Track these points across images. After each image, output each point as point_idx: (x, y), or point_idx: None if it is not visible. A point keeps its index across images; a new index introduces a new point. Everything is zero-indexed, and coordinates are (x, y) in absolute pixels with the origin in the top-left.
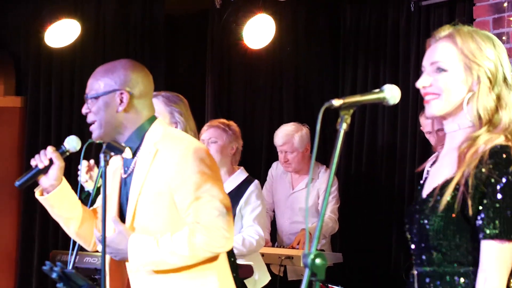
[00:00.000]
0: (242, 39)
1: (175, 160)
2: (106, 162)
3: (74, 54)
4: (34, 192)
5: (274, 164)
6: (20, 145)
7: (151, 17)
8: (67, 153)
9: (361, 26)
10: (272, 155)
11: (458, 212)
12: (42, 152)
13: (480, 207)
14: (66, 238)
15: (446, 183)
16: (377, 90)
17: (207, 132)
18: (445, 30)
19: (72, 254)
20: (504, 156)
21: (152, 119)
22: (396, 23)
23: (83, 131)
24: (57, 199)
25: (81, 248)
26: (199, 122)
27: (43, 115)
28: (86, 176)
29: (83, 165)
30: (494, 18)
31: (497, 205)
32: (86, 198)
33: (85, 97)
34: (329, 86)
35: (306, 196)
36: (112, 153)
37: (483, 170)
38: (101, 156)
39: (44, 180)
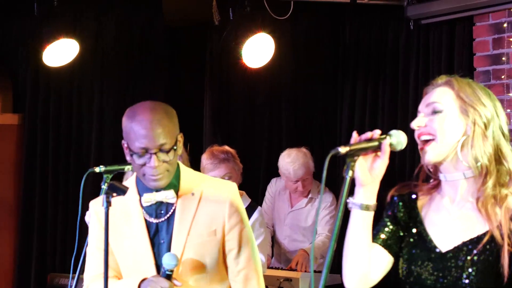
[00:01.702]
0: (241, 58)
1: (227, 200)
2: (109, 203)
3: (72, 72)
4: (32, 210)
5: (273, 181)
6: (18, 162)
7: (150, 33)
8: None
9: (360, 44)
10: (270, 173)
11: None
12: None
13: None
14: (64, 259)
15: (479, 240)
16: (384, 136)
17: (220, 169)
18: (443, 78)
19: (73, 278)
20: None
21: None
22: (395, 42)
23: (81, 150)
24: None
25: (81, 272)
26: (197, 141)
27: (41, 132)
28: None
29: None
30: (494, 38)
31: None
32: None
33: (151, 151)
34: (328, 104)
35: (315, 220)
36: (115, 194)
37: None
38: (104, 197)
39: None
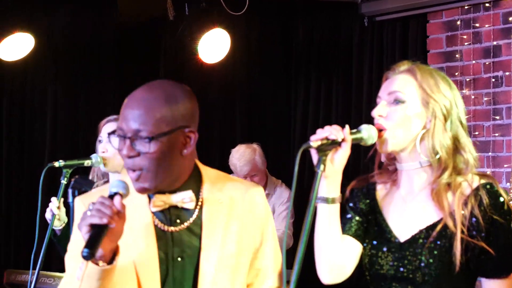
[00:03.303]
0: (197, 54)
1: (262, 209)
2: (74, 198)
3: (25, 67)
4: None
5: None
6: None
7: (103, 28)
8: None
9: (314, 41)
10: (224, 170)
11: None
12: (103, 204)
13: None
14: (20, 256)
15: (433, 227)
16: (354, 130)
17: None
18: (405, 65)
19: (33, 274)
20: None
21: (195, 162)
22: (349, 38)
23: (35, 146)
24: (115, 268)
25: (41, 268)
26: None
27: None
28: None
29: (55, 202)
30: (448, 36)
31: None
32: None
33: (125, 134)
34: (282, 101)
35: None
36: (83, 189)
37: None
38: (70, 192)
39: (106, 244)
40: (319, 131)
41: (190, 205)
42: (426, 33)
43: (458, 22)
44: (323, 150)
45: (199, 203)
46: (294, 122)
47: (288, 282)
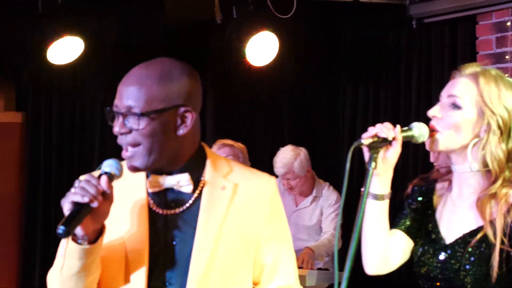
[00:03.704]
0: (244, 56)
1: (268, 201)
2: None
3: (75, 70)
4: (35, 209)
5: (277, 180)
6: (21, 160)
7: (152, 31)
8: (112, 182)
9: (362, 43)
10: (272, 172)
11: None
12: (88, 182)
13: None
14: None
15: (476, 233)
16: (405, 128)
17: (223, 150)
18: (473, 67)
19: None
20: None
21: (202, 145)
22: (397, 41)
23: (84, 148)
24: (100, 249)
25: None
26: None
27: (44, 130)
28: None
29: None
30: (497, 37)
31: None
32: None
33: (119, 111)
34: (330, 103)
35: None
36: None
37: None
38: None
39: (88, 223)
40: (370, 128)
41: (187, 189)
42: (475, 35)
43: (508, 23)
44: (374, 147)
45: (199, 188)
46: (343, 125)
47: (339, 283)
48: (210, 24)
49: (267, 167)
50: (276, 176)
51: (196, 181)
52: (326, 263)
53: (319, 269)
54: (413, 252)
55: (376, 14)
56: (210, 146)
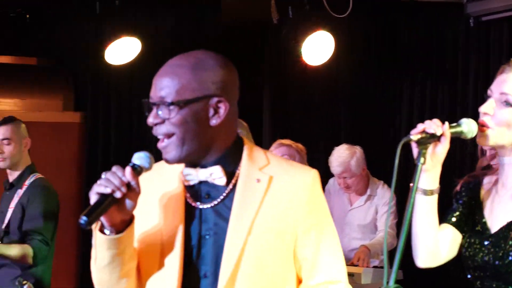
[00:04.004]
0: (300, 56)
1: (305, 193)
2: None
3: (132, 70)
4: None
5: (331, 180)
6: (79, 160)
7: (209, 32)
8: (141, 174)
9: (419, 42)
10: (328, 172)
11: None
12: (113, 173)
13: None
14: None
15: None
16: (454, 124)
17: (280, 149)
18: None
19: None
20: None
21: (241, 137)
22: (455, 39)
23: (143, 148)
24: (130, 240)
25: None
26: (256, 140)
27: (102, 130)
28: None
29: None
30: None
31: None
32: None
33: (153, 101)
34: (387, 102)
35: (387, 215)
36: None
37: None
38: None
39: (114, 214)
40: (419, 125)
41: (221, 181)
42: None
43: None
44: (423, 143)
45: (234, 181)
46: (400, 124)
47: (387, 282)
48: (266, 24)
49: (323, 166)
50: (332, 176)
51: (231, 173)
52: (382, 261)
53: (375, 267)
54: (461, 245)
55: (433, 12)
56: (267, 145)
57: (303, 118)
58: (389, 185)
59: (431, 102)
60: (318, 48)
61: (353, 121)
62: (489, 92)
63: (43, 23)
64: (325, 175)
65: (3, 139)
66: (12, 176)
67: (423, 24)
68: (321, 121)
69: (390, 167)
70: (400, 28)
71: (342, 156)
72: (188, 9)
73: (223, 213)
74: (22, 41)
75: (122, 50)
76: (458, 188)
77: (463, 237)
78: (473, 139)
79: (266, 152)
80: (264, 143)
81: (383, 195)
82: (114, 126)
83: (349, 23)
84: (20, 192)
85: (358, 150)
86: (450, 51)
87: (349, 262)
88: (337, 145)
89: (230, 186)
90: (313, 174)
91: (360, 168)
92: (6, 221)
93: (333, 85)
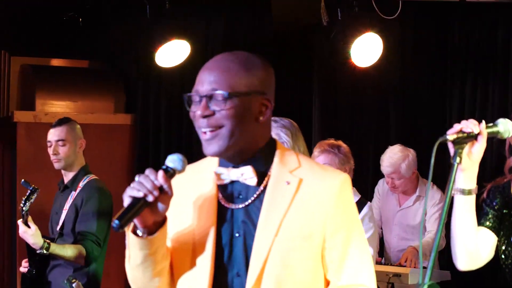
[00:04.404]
0: (349, 58)
1: (333, 196)
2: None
3: (183, 73)
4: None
5: (381, 181)
6: (131, 161)
7: (259, 35)
8: (174, 176)
9: (470, 44)
10: (378, 173)
11: None
12: (146, 177)
13: None
14: None
15: None
16: (491, 124)
17: (318, 158)
18: None
19: None
20: None
21: (274, 140)
22: (506, 41)
23: (192, 150)
24: (162, 241)
25: None
26: (306, 140)
27: (153, 132)
28: None
29: None
30: None
31: None
32: None
33: (203, 94)
34: (437, 103)
35: (422, 214)
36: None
37: None
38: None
39: (147, 216)
40: (455, 125)
41: (252, 181)
42: None
43: None
44: (459, 143)
45: (265, 182)
46: (450, 125)
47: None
48: (316, 26)
49: (372, 167)
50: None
51: (263, 174)
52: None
53: (424, 267)
54: (498, 246)
55: (484, 13)
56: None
57: (352, 118)
58: (439, 186)
59: (482, 103)
60: (366, 49)
61: (403, 122)
62: None
63: (94, 26)
64: (374, 176)
65: (58, 140)
66: (67, 177)
67: (474, 24)
68: (370, 122)
69: (439, 167)
70: (450, 29)
71: (394, 158)
72: (238, 12)
73: (252, 214)
74: (74, 44)
75: (172, 53)
76: (485, 195)
77: (499, 241)
78: (503, 141)
79: (299, 155)
80: (314, 143)
81: (433, 196)
82: (164, 128)
83: (398, 24)
84: (74, 194)
85: (411, 153)
86: (501, 52)
87: (397, 262)
88: (387, 145)
89: (261, 187)
90: (343, 178)
91: (410, 171)
92: (60, 222)
93: (382, 87)
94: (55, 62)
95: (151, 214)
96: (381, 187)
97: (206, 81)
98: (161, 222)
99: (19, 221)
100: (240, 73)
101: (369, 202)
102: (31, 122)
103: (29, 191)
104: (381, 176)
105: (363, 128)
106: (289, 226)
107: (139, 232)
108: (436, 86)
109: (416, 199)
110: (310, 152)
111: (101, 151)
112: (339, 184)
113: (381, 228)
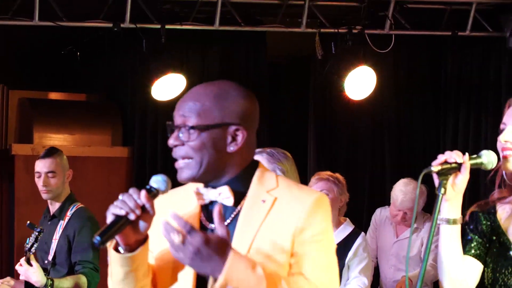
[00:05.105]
0: (343, 90)
1: (304, 211)
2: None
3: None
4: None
5: (378, 211)
6: None
7: (254, 67)
8: (157, 196)
9: (462, 76)
10: (374, 203)
11: None
12: (129, 196)
13: None
14: None
15: None
16: (475, 156)
17: (317, 185)
18: None
19: None
20: None
21: (256, 162)
22: (497, 72)
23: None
24: (143, 259)
25: None
26: (301, 171)
27: (149, 165)
28: None
29: None
30: None
31: None
32: None
33: (175, 124)
34: (431, 134)
35: (408, 244)
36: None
37: None
38: None
39: (129, 234)
40: (439, 156)
41: (229, 202)
42: None
43: None
44: (444, 174)
45: (242, 202)
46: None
47: None
48: (311, 59)
49: (368, 198)
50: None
51: (241, 195)
52: None
53: None
54: (484, 273)
55: (476, 46)
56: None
57: (347, 149)
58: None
59: (475, 135)
60: (360, 82)
61: (398, 153)
62: (502, 126)
63: (92, 60)
64: (371, 205)
65: (48, 172)
66: (54, 206)
67: (466, 57)
68: (365, 153)
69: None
70: (442, 62)
71: (413, 193)
72: (234, 45)
73: (231, 233)
74: (72, 78)
75: (168, 86)
76: (467, 218)
77: (487, 267)
78: (488, 172)
79: (279, 177)
80: (309, 175)
81: (428, 228)
82: (160, 161)
83: (393, 57)
84: (62, 223)
85: (424, 189)
86: (493, 85)
87: None
88: (383, 178)
89: (239, 207)
90: (319, 196)
91: (422, 206)
92: (51, 252)
93: (376, 118)
94: (53, 95)
95: (133, 232)
96: (378, 216)
97: (179, 112)
98: (143, 240)
99: (22, 260)
100: (209, 105)
101: (362, 233)
102: (29, 155)
103: (36, 233)
104: (377, 204)
105: (358, 159)
106: (260, 242)
107: (121, 249)
108: (430, 118)
109: (414, 231)
110: (302, 183)
111: (98, 183)
112: (313, 201)
113: (376, 258)
